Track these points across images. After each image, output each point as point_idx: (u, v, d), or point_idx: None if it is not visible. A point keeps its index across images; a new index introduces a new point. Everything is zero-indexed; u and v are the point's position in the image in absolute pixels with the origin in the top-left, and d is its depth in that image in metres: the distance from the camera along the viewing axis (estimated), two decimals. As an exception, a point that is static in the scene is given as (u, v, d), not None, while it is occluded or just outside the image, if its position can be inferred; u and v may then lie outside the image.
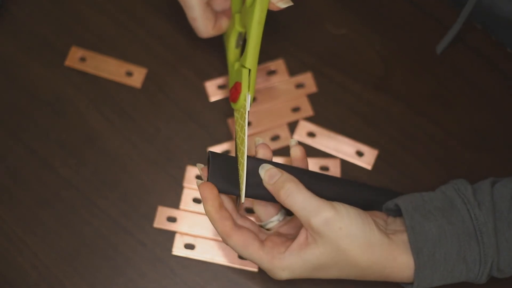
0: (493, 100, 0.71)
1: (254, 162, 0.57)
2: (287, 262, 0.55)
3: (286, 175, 0.56)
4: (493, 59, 0.73)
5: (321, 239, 0.54)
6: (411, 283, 0.57)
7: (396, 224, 0.58)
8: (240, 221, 0.58)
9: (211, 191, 0.56)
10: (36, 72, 0.73)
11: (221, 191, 0.56)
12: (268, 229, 0.60)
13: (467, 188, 0.58)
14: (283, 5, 0.60)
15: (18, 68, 0.73)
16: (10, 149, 0.69)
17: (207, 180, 0.56)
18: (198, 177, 0.67)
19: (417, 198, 0.58)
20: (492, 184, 0.58)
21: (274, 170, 0.56)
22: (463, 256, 0.55)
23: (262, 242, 0.56)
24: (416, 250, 0.55)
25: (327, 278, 0.57)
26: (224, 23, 0.68)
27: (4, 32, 0.74)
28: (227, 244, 0.56)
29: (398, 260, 0.56)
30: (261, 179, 0.57)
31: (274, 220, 0.60)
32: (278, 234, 0.58)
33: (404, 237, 0.56)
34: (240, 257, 0.64)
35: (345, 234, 0.54)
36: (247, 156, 0.57)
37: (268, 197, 0.57)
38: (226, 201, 0.58)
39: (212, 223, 0.56)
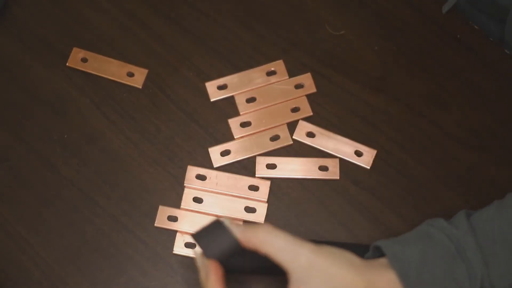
0: (491, 101, 0.71)
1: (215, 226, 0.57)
2: None
3: (254, 224, 0.55)
4: (491, 60, 0.73)
5: (309, 273, 0.53)
6: None
7: (376, 260, 0.56)
8: None
9: (217, 270, 0.55)
10: (38, 72, 0.73)
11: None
12: None
13: (440, 220, 0.57)
14: None
15: (20, 68, 0.73)
16: (12, 149, 0.70)
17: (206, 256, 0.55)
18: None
19: (393, 238, 0.57)
20: (466, 214, 0.58)
21: (234, 221, 0.56)
22: (452, 276, 0.54)
23: None
24: (402, 275, 0.54)
25: None
26: None
27: (6, 33, 0.75)
28: None
29: (386, 276, 0.54)
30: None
31: None
32: None
33: (385, 262, 0.55)
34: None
35: (332, 258, 0.53)
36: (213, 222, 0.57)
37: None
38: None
39: None
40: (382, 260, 0.55)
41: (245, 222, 0.67)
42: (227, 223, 0.56)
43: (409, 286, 0.54)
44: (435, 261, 0.55)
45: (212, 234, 0.56)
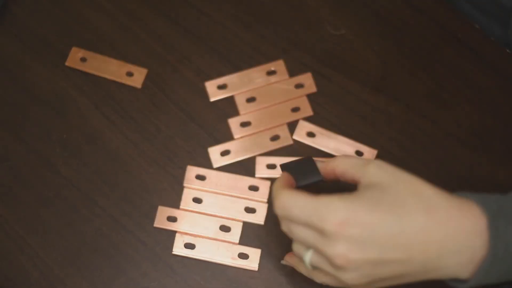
0: (491, 101, 0.71)
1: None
2: (343, 197, 0.48)
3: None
4: (491, 60, 0.73)
5: (377, 175, 0.49)
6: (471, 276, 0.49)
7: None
8: None
9: (287, 175, 0.56)
10: (37, 72, 0.73)
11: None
12: None
13: None
14: None
15: (19, 68, 0.73)
16: (11, 149, 0.70)
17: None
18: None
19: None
20: None
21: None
22: None
23: None
24: (483, 203, 0.48)
25: (388, 247, 0.47)
26: None
27: (6, 33, 0.75)
28: (274, 198, 0.52)
29: (465, 205, 0.48)
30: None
31: None
32: None
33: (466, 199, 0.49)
34: (243, 256, 0.65)
35: (402, 171, 0.50)
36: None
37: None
38: None
39: (273, 187, 0.54)
40: (463, 197, 0.49)
41: (245, 223, 0.66)
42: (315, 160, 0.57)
43: (492, 214, 0.48)
44: None
45: (300, 166, 0.58)
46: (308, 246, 0.51)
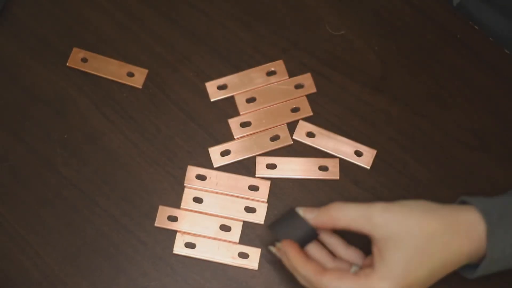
0: (491, 101, 0.71)
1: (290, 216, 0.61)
2: (380, 271, 0.54)
3: (324, 206, 0.58)
4: (491, 60, 0.73)
5: (388, 231, 0.54)
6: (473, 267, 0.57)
7: (455, 205, 0.58)
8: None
9: (291, 243, 0.59)
10: (38, 72, 0.73)
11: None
12: None
13: None
14: None
15: (20, 68, 0.73)
16: (12, 149, 0.70)
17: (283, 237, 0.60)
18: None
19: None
20: None
21: (308, 207, 0.60)
22: None
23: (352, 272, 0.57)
24: (484, 212, 0.55)
25: (430, 280, 0.55)
26: None
27: (7, 33, 0.75)
28: (319, 284, 0.56)
29: (468, 216, 0.55)
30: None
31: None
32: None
33: (468, 206, 0.56)
34: (243, 256, 0.65)
35: (406, 210, 0.55)
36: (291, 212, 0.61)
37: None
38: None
39: (301, 270, 0.57)
40: (466, 205, 0.56)
41: (245, 222, 0.67)
42: (301, 212, 0.59)
43: (491, 222, 0.54)
44: None
45: (288, 224, 0.60)
46: None
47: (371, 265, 0.56)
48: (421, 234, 0.54)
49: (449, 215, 0.55)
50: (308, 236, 0.60)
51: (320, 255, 0.60)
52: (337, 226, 0.57)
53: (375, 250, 0.55)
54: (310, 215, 0.59)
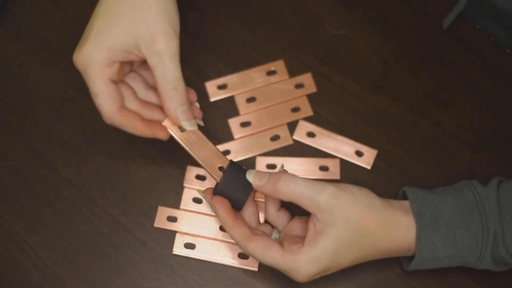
0: (492, 100, 0.71)
1: (236, 170, 0.60)
2: (308, 254, 0.56)
3: (275, 172, 0.58)
4: (492, 60, 0.73)
5: (331, 217, 0.56)
6: (411, 258, 0.60)
7: (398, 201, 0.60)
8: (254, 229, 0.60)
9: (222, 201, 0.59)
10: (38, 72, 0.73)
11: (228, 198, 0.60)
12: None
13: (474, 181, 0.60)
14: (188, 127, 0.61)
15: (20, 68, 0.73)
16: (12, 149, 0.70)
17: (218, 185, 0.59)
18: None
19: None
20: (499, 180, 0.61)
21: (261, 172, 0.59)
22: (465, 224, 0.58)
23: (279, 243, 0.57)
24: (418, 213, 0.58)
25: (347, 265, 0.58)
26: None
27: (6, 33, 0.75)
28: (246, 251, 0.58)
29: (402, 218, 0.58)
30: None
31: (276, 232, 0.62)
32: (290, 236, 0.59)
33: (406, 203, 0.59)
34: (243, 256, 0.65)
35: (352, 202, 0.56)
36: (231, 163, 0.60)
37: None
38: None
39: (229, 232, 0.58)
40: (404, 202, 0.60)
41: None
42: (250, 178, 0.59)
43: (422, 225, 0.57)
44: (452, 208, 0.58)
45: (233, 181, 0.59)
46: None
47: (298, 241, 0.57)
48: (359, 230, 0.56)
49: (387, 217, 0.57)
50: (246, 195, 0.60)
51: (248, 215, 0.61)
52: (282, 199, 0.58)
53: (311, 227, 0.57)
54: (258, 182, 0.58)
